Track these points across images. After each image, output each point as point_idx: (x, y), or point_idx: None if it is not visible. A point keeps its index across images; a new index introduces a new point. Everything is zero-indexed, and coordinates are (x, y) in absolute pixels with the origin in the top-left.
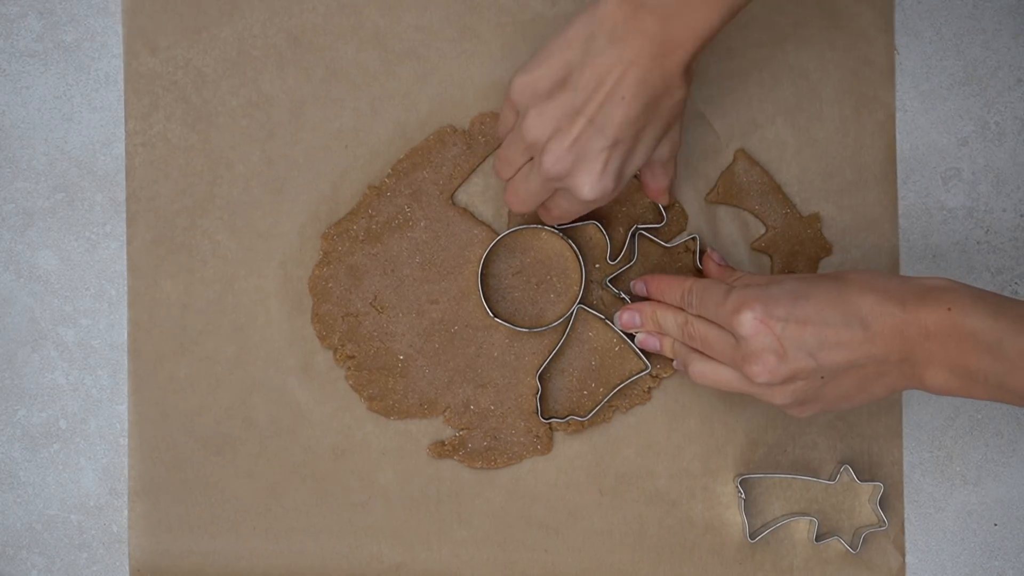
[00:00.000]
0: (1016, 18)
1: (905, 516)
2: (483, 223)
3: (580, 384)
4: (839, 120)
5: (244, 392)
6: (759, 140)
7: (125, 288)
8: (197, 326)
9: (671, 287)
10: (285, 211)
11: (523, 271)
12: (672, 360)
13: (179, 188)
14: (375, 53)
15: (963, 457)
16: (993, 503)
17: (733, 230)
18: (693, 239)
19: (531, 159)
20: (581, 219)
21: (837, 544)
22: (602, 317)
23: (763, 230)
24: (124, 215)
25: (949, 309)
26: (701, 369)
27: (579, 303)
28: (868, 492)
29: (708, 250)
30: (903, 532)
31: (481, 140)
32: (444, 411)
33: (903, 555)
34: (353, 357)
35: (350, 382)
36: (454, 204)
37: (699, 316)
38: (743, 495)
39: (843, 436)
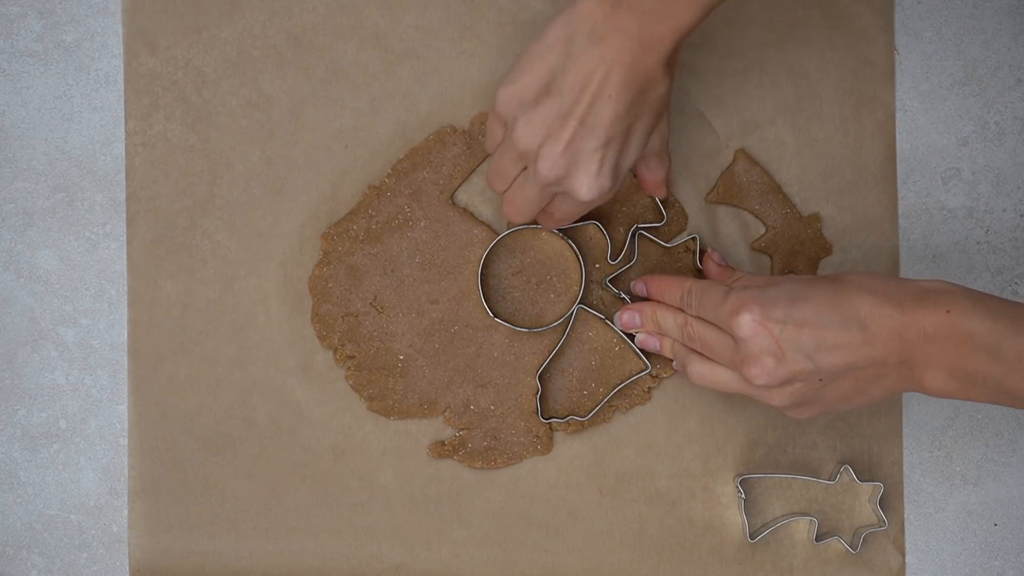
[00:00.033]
0: (1016, 18)
1: (905, 516)
2: (483, 223)
3: (580, 384)
4: (839, 120)
5: (244, 392)
6: (759, 140)
7: (125, 288)
8: (197, 326)
9: (671, 288)
10: (285, 211)
11: (523, 271)
12: (672, 360)
13: (179, 188)
14: (375, 53)
15: (963, 457)
16: (993, 503)
17: (733, 230)
18: (693, 239)
19: (525, 169)
20: (581, 219)
21: (837, 544)
22: (602, 317)
23: (763, 230)
24: (124, 215)
25: (948, 311)
26: (700, 370)
27: (579, 303)
28: (868, 492)
29: (708, 250)
30: (903, 532)
31: (481, 140)
32: (444, 411)
33: (903, 555)
34: (353, 357)
35: (350, 382)
36: (454, 204)
37: (698, 317)
38: (743, 495)
39: (843, 436)
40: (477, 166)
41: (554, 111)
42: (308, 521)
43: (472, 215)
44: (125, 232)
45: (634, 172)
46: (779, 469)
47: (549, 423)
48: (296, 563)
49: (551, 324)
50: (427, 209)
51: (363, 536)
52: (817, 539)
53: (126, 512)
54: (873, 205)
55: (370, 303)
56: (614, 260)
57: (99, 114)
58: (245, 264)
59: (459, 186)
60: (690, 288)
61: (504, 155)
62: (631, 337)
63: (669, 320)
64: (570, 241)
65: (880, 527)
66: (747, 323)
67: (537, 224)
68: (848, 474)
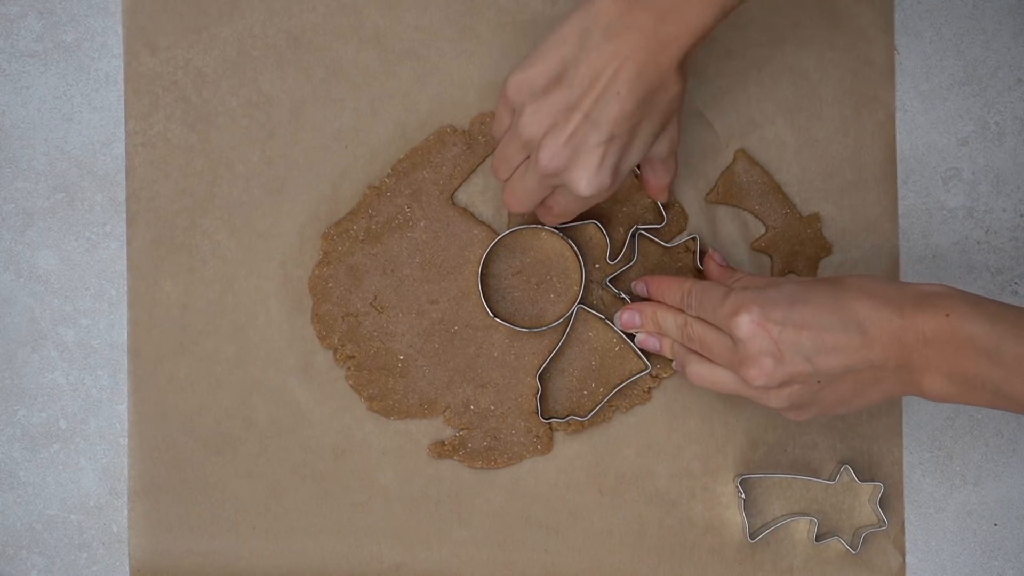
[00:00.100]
0: (1016, 18)
1: (905, 516)
2: (483, 223)
3: (580, 384)
4: (839, 120)
5: (244, 392)
6: (759, 140)
7: (125, 288)
8: (197, 326)
9: (671, 288)
10: (285, 211)
11: (523, 271)
12: (672, 360)
13: (179, 188)
14: (375, 53)
15: (963, 457)
16: (993, 503)
17: (733, 230)
18: (693, 239)
19: (528, 157)
20: (581, 219)
21: (837, 544)
22: (602, 317)
23: (763, 230)
24: (124, 215)
25: (947, 315)
26: (699, 371)
27: (579, 303)
28: (868, 492)
29: (709, 251)
30: (903, 532)
31: (481, 140)
32: (444, 411)
33: (903, 555)
34: (353, 357)
35: (350, 382)
36: (454, 204)
37: (698, 318)
38: (743, 495)
39: (843, 436)
40: (477, 166)
41: (562, 102)
42: (308, 521)
43: (472, 215)
44: (125, 232)
45: (638, 175)
46: (779, 469)
47: (549, 423)
48: (296, 563)
49: (551, 324)
50: (427, 209)
51: (363, 536)
52: (817, 539)
53: (126, 512)
54: (873, 205)
55: (370, 303)
56: (614, 260)
57: (99, 114)
58: (245, 264)
59: (459, 186)
60: (690, 288)
61: (509, 142)
62: (631, 337)
63: (669, 320)
64: (570, 241)
65: (880, 527)
66: (746, 324)
67: (536, 221)
68: (848, 474)
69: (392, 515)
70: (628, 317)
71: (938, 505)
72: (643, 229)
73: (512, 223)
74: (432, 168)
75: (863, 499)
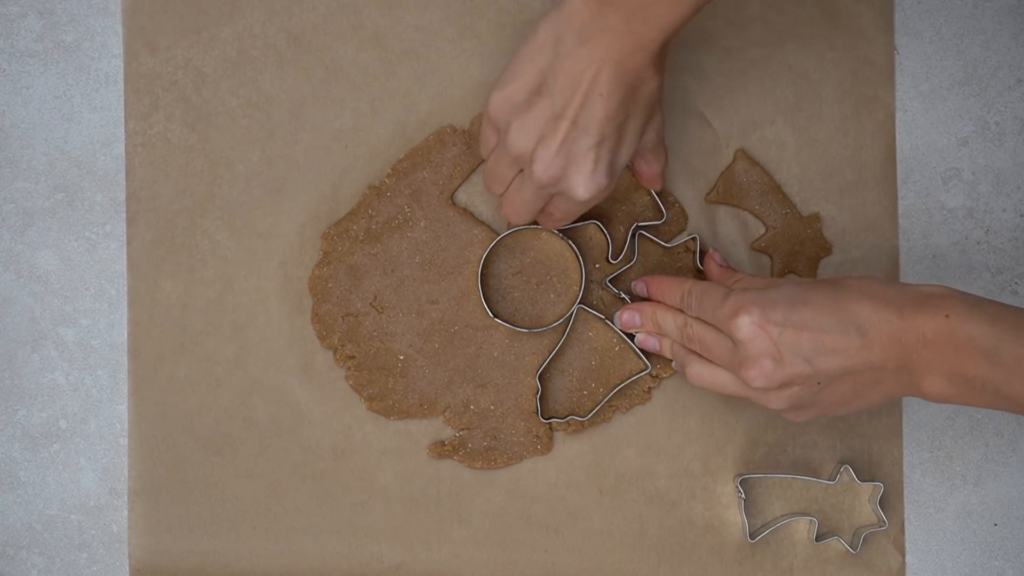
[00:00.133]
0: (1016, 18)
1: (905, 516)
2: (483, 223)
3: (580, 384)
4: (839, 120)
5: (244, 392)
6: (759, 140)
7: (125, 288)
8: (197, 326)
9: (671, 288)
10: (285, 211)
11: (523, 271)
12: (672, 360)
13: (179, 188)
14: (375, 53)
15: (963, 457)
16: (993, 503)
17: (733, 230)
18: (693, 239)
19: (521, 171)
20: (581, 219)
21: (837, 544)
22: (602, 317)
23: (763, 230)
24: (124, 215)
25: (946, 316)
26: (698, 372)
27: (579, 303)
28: (868, 492)
29: (710, 251)
30: (903, 532)
31: (479, 151)
32: (444, 411)
33: (903, 555)
34: (353, 357)
35: (350, 382)
36: (454, 204)
37: (698, 318)
38: (743, 495)
39: (843, 436)
40: (477, 166)
41: (546, 113)
42: (308, 521)
43: (472, 215)
44: (125, 232)
45: (631, 167)
46: (779, 469)
47: (549, 423)
48: (296, 563)
49: (551, 324)
50: (427, 209)
51: (363, 536)
52: (817, 539)
53: (126, 512)
54: (873, 205)
55: (370, 303)
56: (614, 260)
57: (99, 114)
58: (245, 264)
59: (459, 186)
60: (690, 289)
61: (499, 160)
62: (631, 337)
63: (669, 321)
64: (570, 241)
65: (880, 527)
66: (746, 325)
67: (537, 224)
68: (848, 474)
69: (392, 515)
70: (628, 317)
71: (938, 505)
72: (643, 229)
73: (512, 225)
74: (432, 168)
75: (863, 499)
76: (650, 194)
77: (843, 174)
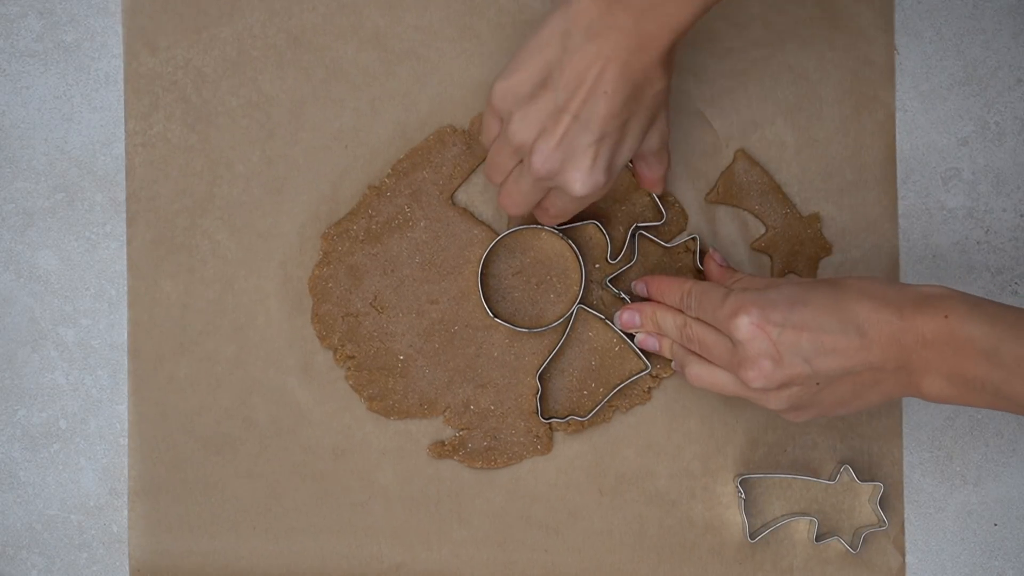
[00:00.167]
0: (1016, 18)
1: (905, 516)
2: (483, 223)
3: (580, 384)
4: (839, 120)
5: (244, 392)
6: (759, 140)
7: (125, 288)
8: (197, 326)
9: (671, 288)
10: (285, 211)
11: (523, 271)
12: (671, 360)
13: (179, 188)
14: (375, 53)
15: (963, 457)
16: (993, 503)
17: (733, 230)
18: (693, 239)
19: (521, 162)
20: (581, 219)
21: (837, 544)
22: (602, 317)
23: (763, 230)
24: (124, 215)
25: (946, 317)
26: (698, 372)
27: (579, 303)
28: (868, 492)
29: (710, 251)
30: (903, 532)
31: (481, 140)
32: (444, 411)
33: (903, 555)
34: (353, 357)
35: (350, 382)
36: (454, 204)
37: (697, 319)
38: (743, 495)
39: (843, 436)
40: (477, 166)
41: (549, 106)
42: (308, 521)
43: (472, 215)
44: (125, 232)
45: (632, 169)
46: (779, 469)
47: (549, 423)
48: (296, 563)
49: (551, 324)
50: (427, 209)
51: (363, 536)
52: (817, 539)
53: (126, 512)
54: (873, 205)
55: (370, 303)
56: (614, 260)
57: (99, 114)
58: (245, 264)
59: (459, 186)
60: (690, 289)
61: (500, 149)
62: (631, 337)
63: (668, 321)
64: (570, 241)
65: (880, 527)
66: (745, 325)
67: (535, 221)
68: (848, 474)
69: (392, 515)
70: (628, 317)
71: (938, 505)
72: (643, 228)
73: (512, 223)
74: (432, 168)
75: (863, 499)
76: (650, 195)
77: (843, 174)
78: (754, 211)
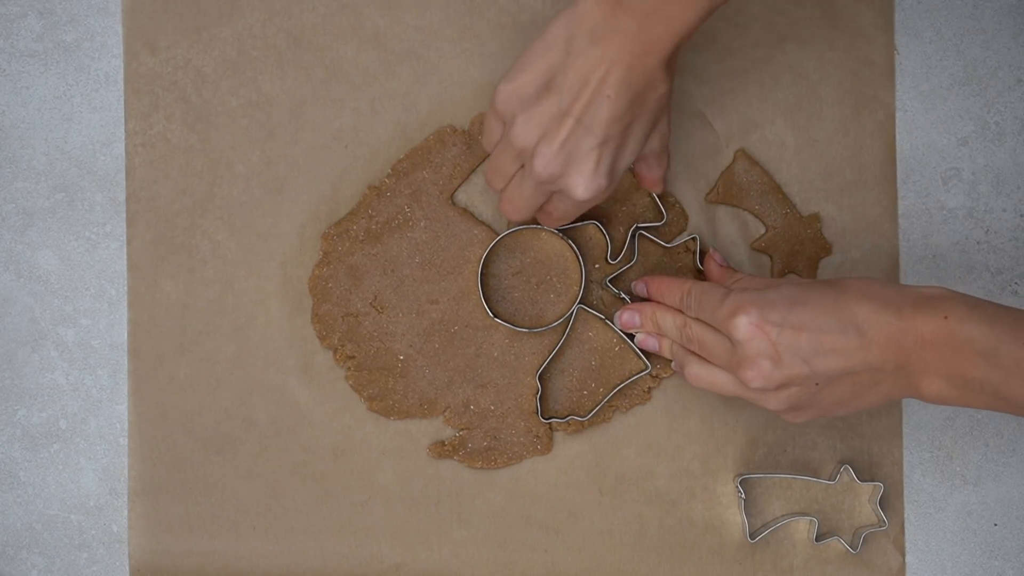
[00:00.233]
0: (1016, 18)
1: (905, 516)
2: (483, 223)
3: (580, 384)
4: (839, 120)
5: (244, 392)
6: (759, 140)
7: (125, 288)
8: (197, 326)
9: (671, 288)
10: (285, 211)
11: (523, 271)
12: (671, 360)
13: (179, 188)
14: (375, 53)
15: (963, 457)
16: (993, 503)
17: (733, 230)
18: (693, 239)
19: (523, 167)
20: (581, 219)
21: (837, 544)
22: (602, 317)
23: (763, 230)
24: (124, 215)
25: (945, 317)
26: (697, 372)
27: (579, 303)
28: (868, 492)
29: (709, 251)
30: (903, 532)
31: (481, 140)
32: (444, 411)
33: (903, 555)
34: (353, 357)
35: (350, 382)
36: (454, 204)
37: (697, 319)
38: (743, 495)
39: (843, 436)
40: (477, 166)
41: (552, 109)
42: (308, 521)
43: (472, 215)
44: (125, 232)
45: (632, 170)
46: (779, 469)
47: (549, 423)
48: (296, 563)
49: (551, 324)
50: (427, 209)
51: (363, 536)
52: (817, 539)
53: (126, 512)
54: (873, 205)
55: (370, 303)
56: (614, 260)
57: (99, 114)
58: (245, 264)
59: (459, 186)
60: (689, 289)
61: (502, 153)
62: (631, 337)
63: (668, 321)
64: (570, 241)
65: (880, 527)
66: (744, 325)
67: (536, 223)
68: (848, 474)
69: (392, 515)
70: (628, 317)
71: (938, 505)
72: (643, 228)
73: (512, 223)
74: (432, 168)
75: (863, 499)
76: (650, 195)
77: (843, 174)
78: (754, 211)
